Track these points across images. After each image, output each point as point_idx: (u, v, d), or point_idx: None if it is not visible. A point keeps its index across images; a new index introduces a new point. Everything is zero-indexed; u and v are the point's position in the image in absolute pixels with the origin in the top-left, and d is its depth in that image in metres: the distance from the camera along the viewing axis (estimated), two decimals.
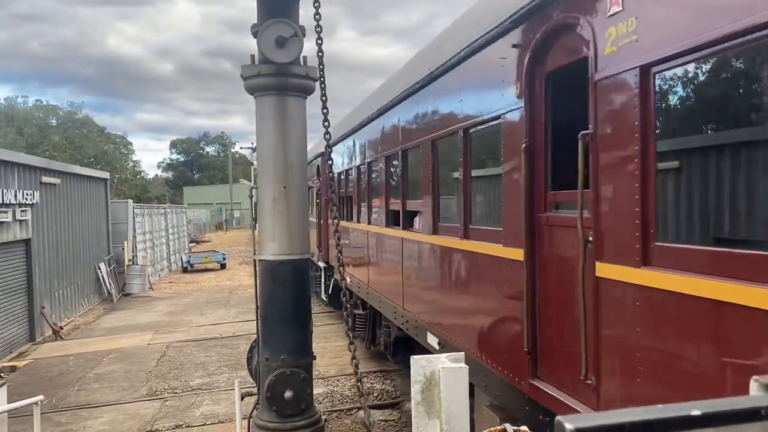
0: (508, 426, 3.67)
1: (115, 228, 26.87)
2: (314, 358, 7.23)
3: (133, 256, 27.50)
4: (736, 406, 0.72)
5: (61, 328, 18.57)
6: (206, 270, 34.88)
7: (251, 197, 7.55)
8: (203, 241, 56.68)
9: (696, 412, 0.70)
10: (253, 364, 7.77)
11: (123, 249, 26.87)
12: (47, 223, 18.82)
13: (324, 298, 18.53)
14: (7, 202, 15.74)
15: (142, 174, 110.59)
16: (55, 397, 11.78)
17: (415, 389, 3.59)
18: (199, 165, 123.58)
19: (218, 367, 13.36)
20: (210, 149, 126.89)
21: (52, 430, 10.10)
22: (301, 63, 6.82)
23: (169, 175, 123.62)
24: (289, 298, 6.86)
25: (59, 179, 20.00)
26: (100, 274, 24.38)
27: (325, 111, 6.15)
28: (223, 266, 35.18)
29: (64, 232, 20.55)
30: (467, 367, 3.78)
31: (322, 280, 18.17)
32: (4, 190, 15.58)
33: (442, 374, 3.39)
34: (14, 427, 9.75)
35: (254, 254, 7.30)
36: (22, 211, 16.62)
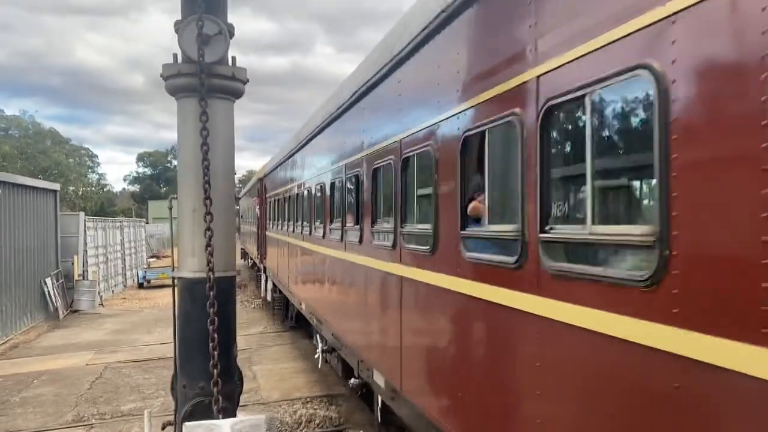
0: None
1: (65, 241, 25.71)
2: (239, 385, 6.62)
3: (83, 271, 26.38)
4: None
5: None
6: (163, 286, 33.71)
7: (170, 209, 6.87)
8: (165, 256, 55.26)
9: None
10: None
11: (72, 263, 25.75)
12: None
13: None
14: None
15: (108, 187, 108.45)
16: None
17: None
18: (166, 178, 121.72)
19: (155, 390, 12.52)
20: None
21: None
22: (229, 63, 6.37)
23: (136, 188, 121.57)
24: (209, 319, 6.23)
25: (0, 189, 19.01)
26: (45, 289, 23.23)
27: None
28: None
29: (6, 245, 19.49)
30: None
31: None
32: None
33: None
34: None
35: (172, 271, 6.65)
36: None
